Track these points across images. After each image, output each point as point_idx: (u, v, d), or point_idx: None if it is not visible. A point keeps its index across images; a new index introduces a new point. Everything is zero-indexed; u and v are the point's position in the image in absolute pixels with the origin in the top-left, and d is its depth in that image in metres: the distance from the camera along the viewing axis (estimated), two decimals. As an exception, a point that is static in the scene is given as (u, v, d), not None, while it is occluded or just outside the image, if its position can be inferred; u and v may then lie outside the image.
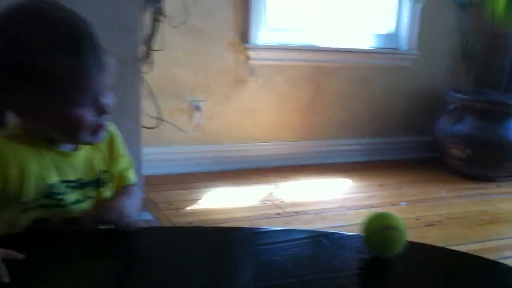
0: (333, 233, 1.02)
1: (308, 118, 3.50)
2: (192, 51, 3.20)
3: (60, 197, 0.92)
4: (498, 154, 3.39)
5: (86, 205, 0.96)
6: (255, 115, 3.42)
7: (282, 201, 2.85)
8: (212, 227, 2.20)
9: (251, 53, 3.31)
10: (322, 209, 2.80)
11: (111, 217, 0.90)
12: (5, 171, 0.86)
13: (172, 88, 3.18)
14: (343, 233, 1.02)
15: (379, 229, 0.88)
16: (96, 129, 0.91)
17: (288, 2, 3.48)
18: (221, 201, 2.81)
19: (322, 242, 0.96)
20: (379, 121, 3.75)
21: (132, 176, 1.07)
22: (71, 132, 0.89)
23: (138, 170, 1.30)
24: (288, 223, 2.59)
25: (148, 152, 3.13)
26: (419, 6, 3.60)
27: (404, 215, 2.81)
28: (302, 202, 2.88)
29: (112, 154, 1.02)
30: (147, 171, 2.49)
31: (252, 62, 3.33)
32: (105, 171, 1.01)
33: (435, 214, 2.87)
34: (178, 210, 2.66)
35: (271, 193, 2.96)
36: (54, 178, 0.92)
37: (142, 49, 2.37)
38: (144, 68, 2.46)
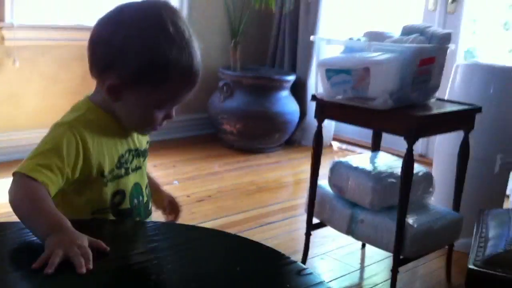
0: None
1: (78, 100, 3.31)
2: None
3: (127, 165, 1.06)
4: (265, 126, 3.60)
5: (141, 172, 1.10)
6: (17, 101, 3.13)
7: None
8: None
9: (6, 33, 3.02)
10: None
11: None
12: (87, 148, 0.98)
13: None
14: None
15: None
16: (154, 128, 1.06)
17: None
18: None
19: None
20: (156, 100, 3.71)
21: None
22: (142, 125, 1.05)
23: None
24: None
25: None
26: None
27: (176, 193, 2.80)
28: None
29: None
30: None
31: (8, 43, 3.03)
32: (148, 143, 1.16)
33: (206, 189, 2.94)
34: None
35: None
36: (123, 148, 1.06)
37: None
38: None
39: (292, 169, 3.48)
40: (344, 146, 3.91)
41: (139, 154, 1.10)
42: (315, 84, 1.79)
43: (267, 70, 3.93)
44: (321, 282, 0.84)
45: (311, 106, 3.71)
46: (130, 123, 1.06)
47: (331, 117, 2.03)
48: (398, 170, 1.92)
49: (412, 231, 1.84)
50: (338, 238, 2.30)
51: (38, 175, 0.92)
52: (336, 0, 3.77)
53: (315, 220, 2.14)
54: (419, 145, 3.40)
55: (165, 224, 1.11)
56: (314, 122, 1.99)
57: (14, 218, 0.92)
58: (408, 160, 1.79)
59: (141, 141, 1.12)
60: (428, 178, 2.03)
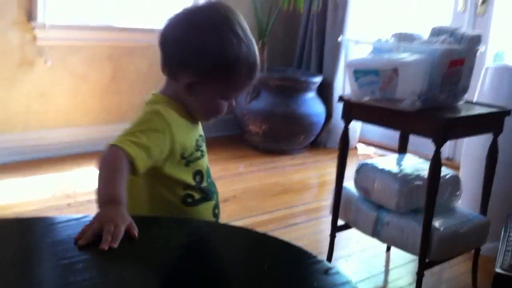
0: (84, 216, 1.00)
1: (107, 100, 3.37)
2: (-34, 30, 2.87)
3: (202, 148, 1.18)
4: (291, 128, 3.60)
5: (206, 155, 1.21)
6: (47, 99, 3.20)
7: (74, 191, 2.71)
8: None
9: (39, 32, 3.08)
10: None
11: None
12: (172, 133, 1.09)
13: None
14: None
15: None
16: (218, 116, 1.17)
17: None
18: (4, 196, 2.58)
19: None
20: (183, 101, 3.75)
21: None
22: (209, 114, 1.17)
23: None
24: (79, 212, 2.47)
25: None
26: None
27: (201, 193, 2.86)
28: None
29: None
30: None
31: (40, 42, 3.10)
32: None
33: (231, 189, 2.96)
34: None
35: (63, 183, 2.80)
36: (197, 133, 1.18)
37: None
38: None
39: (317, 171, 3.47)
40: (372, 149, 3.89)
41: (204, 139, 1.22)
42: (343, 85, 1.79)
43: (293, 71, 3.93)
44: (347, 282, 0.84)
45: (337, 108, 3.72)
46: (200, 113, 1.17)
47: (358, 118, 2.02)
48: (424, 173, 1.90)
49: (438, 234, 1.83)
50: (363, 240, 2.29)
51: (127, 147, 1.02)
52: (364, 1, 3.75)
53: (340, 222, 2.14)
54: (446, 149, 3.36)
55: (195, 221, 1.13)
56: (340, 124, 1.99)
57: (49, 214, 0.94)
58: (436, 162, 1.77)
59: (202, 129, 1.24)
60: (455, 181, 2.01)
